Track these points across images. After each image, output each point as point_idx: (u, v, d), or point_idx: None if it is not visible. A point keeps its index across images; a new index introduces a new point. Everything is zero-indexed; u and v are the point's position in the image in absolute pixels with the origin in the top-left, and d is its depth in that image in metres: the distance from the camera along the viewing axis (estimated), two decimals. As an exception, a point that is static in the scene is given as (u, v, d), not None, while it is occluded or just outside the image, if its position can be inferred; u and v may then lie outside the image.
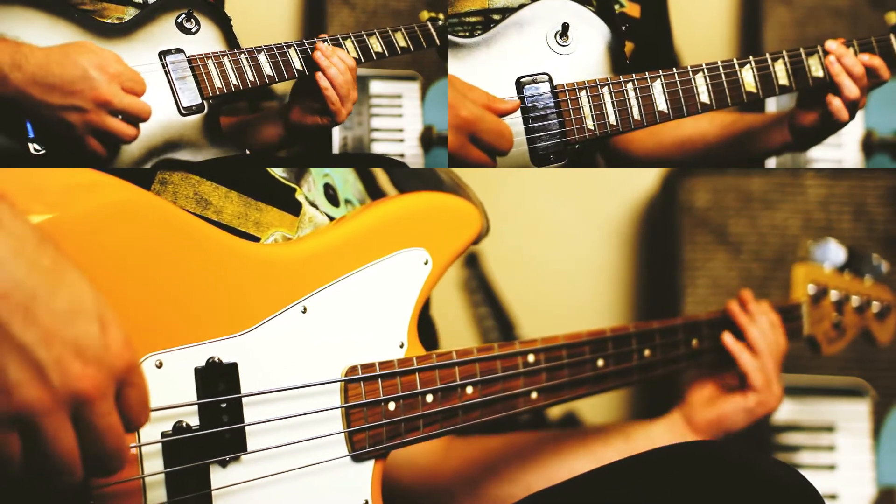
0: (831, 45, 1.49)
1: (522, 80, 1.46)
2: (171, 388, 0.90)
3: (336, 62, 1.54)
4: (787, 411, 2.23)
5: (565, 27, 1.47)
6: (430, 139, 2.57)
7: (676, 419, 1.47)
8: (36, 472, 0.71)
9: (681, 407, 1.49)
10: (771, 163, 2.31)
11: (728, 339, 1.49)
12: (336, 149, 2.51)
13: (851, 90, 1.48)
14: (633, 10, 1.68)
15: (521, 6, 1.49)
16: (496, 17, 1.50)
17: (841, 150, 2.44)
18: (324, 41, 1.57)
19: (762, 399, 1.47)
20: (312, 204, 1.23)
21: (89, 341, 0.71)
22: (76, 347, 0.70)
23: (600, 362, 1.33)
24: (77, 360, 0.70)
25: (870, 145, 2.44)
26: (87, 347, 0.71)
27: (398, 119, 2.58)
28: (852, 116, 1.51)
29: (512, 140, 1.43)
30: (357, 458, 1.05)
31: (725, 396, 1.48)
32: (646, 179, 2.51)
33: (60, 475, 0.71)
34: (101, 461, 0.74)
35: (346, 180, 1.34)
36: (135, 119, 1.32)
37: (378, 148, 2.56)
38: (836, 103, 1.48)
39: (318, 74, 1.54)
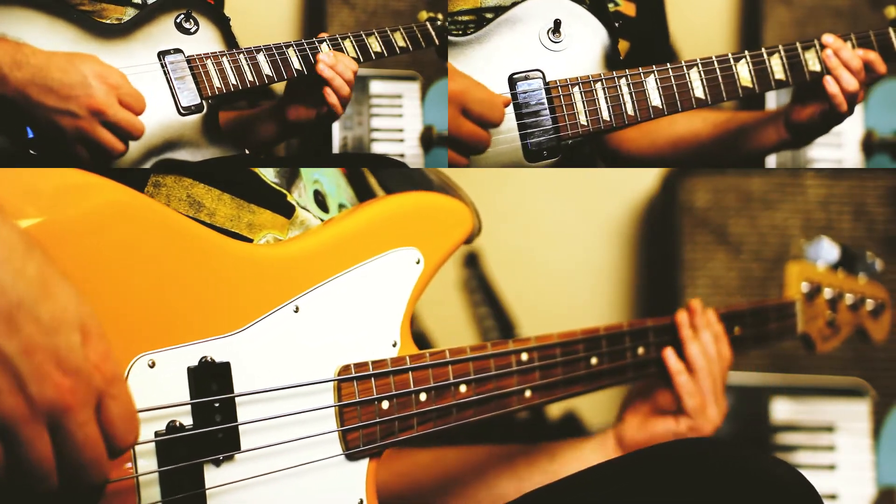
0: (828, 38, 1.48)
1: (515, 76, 1.46)
2: (163, 388, 0.90)
3: (342, 70, 1.54)
4: (787, 411, 2.23)
5: (557, 24, 1.47)
6: (430, 139, 2.57)
7: (608, 438, 1.43)
8: (13, 480, 0.71)
9: (616, 426, 1.44)
10: (771, 163, 2.32)
11: (669, 356, 1.42)
12: (336, 149, 2.52)
13: (850, 83, 1.47)
14: (629, 9, 1.68)
15: (514, 4, 1.49)
16: (489, 15, 1.51)
17: (841, 150, 2.44)
18: (322, 41, 1.58)
19: (694, 424, 1.39)
20: (304, 208, 1.23)
21: (69, 352, 0.72)
22: (56, 358, 0.71)
23: (594, 360, 1.32)
24: (56, 371, 0.71)
25: (870, 145, 2.43)
26: (66, 358, 0.71)
27: (398, 119, 2.58)
28: (851, 111, 1.50)
29: (503, 112, 1.42)
30: (351, 457, 1.05)
31: (657, 418, 1.42)
32: (646, 179, 2.51)
33: (35, 482, 0.72)
34: (79, 472, 0.74)
35: (338, 185, 1.34)
36: (126, 135, 1.31)
37: (378, 148, 2.56)
38: (838, 95, 1.47)
39: (327, 90, 1.54)
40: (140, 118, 1.33)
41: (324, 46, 1.58)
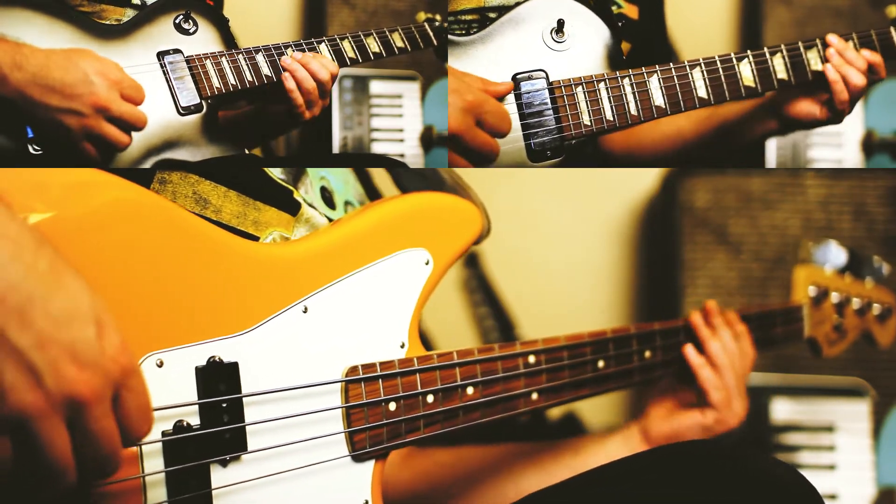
0: (832, 38, 1.48)
1: (518, 76, 1.46)
2: (171, 388, 0.90)
3: (316, 68, 1.51)
4: (787, 411, 2.23)
5: (561, 24, 1.48)
6: (430, 139, 2.57)
7: (633, 432, 1.43)
8: (30, 475, 0.71)
9: (639, 420, 1.45)
10: (771, 163, 2.32)
11: (690, 352, 1.43)
12: (336, 149, 2.52)
13: (857, 79, 1.46)
14: (631, 12, 1.68)
15: (517, 4, 1.49)
16: (492, 15, 1.51)
17: (841, 150, 2.44)
18: (321, 42, 1.57)
19: (721, 417, 1.40)
20: (310, 205, 1.22)
21: (85, 345, 0.72)
22: (71, 351, 0.71)
23: (601, 363, 1.32)
24: (72, 364, 0.71)
25: (870, 145, 2.44)
26: (82, 351, 0.71)
27: (398, 119, 2.58)
28: (850, 108, 1.49)
29: (511, 122, 1.43)
30: (357, 459, 1.05)
31: (683, 411, 1.42)
32: (646, 179, 2.52)
33: (54, 478, 0.72)
34: (96, 464, 0.74)
35: (346, 182, 1.33)
36: (130, 127, 1.32)
37: (378, 148, 2.56)
38: (838, 82, 1.45)
39: (285, 76, 1.52)
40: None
41: (322, 47, 1.57)
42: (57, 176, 0.85)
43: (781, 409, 2.23)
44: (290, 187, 1.19)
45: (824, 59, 1.48)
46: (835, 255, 1.72)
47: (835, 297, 1.69)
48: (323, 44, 1.58)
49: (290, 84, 1.51)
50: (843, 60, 1.46)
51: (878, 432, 2.22)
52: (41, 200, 0.82)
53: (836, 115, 1.50)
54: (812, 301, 1.65)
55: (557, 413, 2.43)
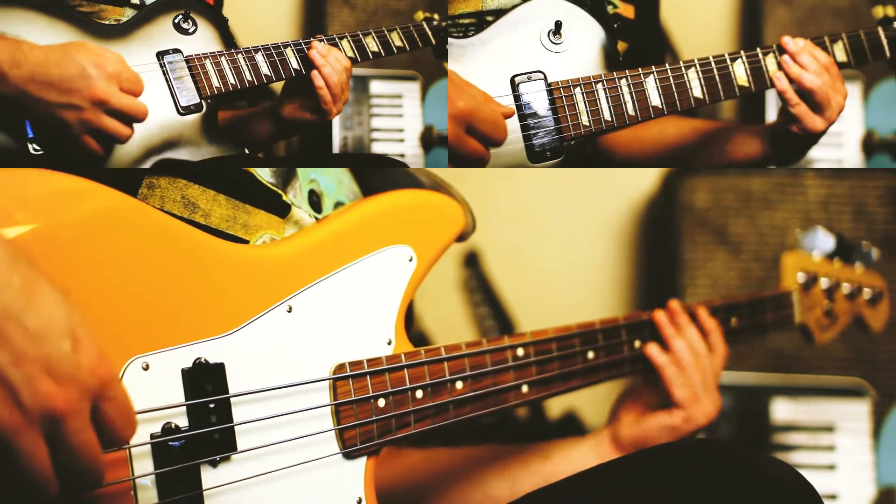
0: (787, 41, 1.47)
1: (517, 78, 1.47)
2: (158, 390, 0.90)
3: (332, 61, 1.54)
4: (787, 411, 2.23)
5: (558, 25, 1.48)
6: (430, 139, 2.57)
7: (603, 437, 1.40)
8: (11, 490, 0.72)
9: (610, 425, 1.42)
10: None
11: (653, 350, 1.40)
12: (336, 149, 2.52)
13: (809, 80, 1.44)
14: (628, 11, 1.68)
15: (514, 6, 1.50)
16: (489, 18, 1.51)
17: (841, 150, 2.43)
18: (320, 41, 1.58)
19: (688, 415, 1.37)
20: (299, 208, 1.22)
21: (60, 359, 0.72)
22: (47, 366, 0.71)
23: (591, 354, 1.32)
24: (48, 379, 0.71)
25: (870, 145, 2.43)
26: (58, 366, 0.72)
27: (398, 119, 2.58)
28: (824, 112, 1.46)
29: (506, 131, 1.44)
30: (349, 456, 1.05)
31: (651, 414, 1.39)
32: (646, 179, 2.51)
33: (35, 491, 0.72)
34: (77, 477, 0.75)
35: (339, 182, 1.33)
36: (130, 119, 1.32)
37: (378, 148, 2.56)
38: (788, 90, 1.45)
39: (314, 73, 1.54)
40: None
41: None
42: (39, 183, 0.85)
43: (781, 409, 2.22)
44: (279, 190, 1.20)
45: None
46: (822, 240, 1.70)
47: (824, 283, 1.68)
48: (321, 42, 1.58)
49: (318, 81, 1.53)
50: (799, 65, 1.45)
51: (878, 432, 2.21)
52: (23, 210, 0.82)
53: (799, 121, 1.47)
54: (801, 287, 1.64)
55: (557, 412, 2.43)
